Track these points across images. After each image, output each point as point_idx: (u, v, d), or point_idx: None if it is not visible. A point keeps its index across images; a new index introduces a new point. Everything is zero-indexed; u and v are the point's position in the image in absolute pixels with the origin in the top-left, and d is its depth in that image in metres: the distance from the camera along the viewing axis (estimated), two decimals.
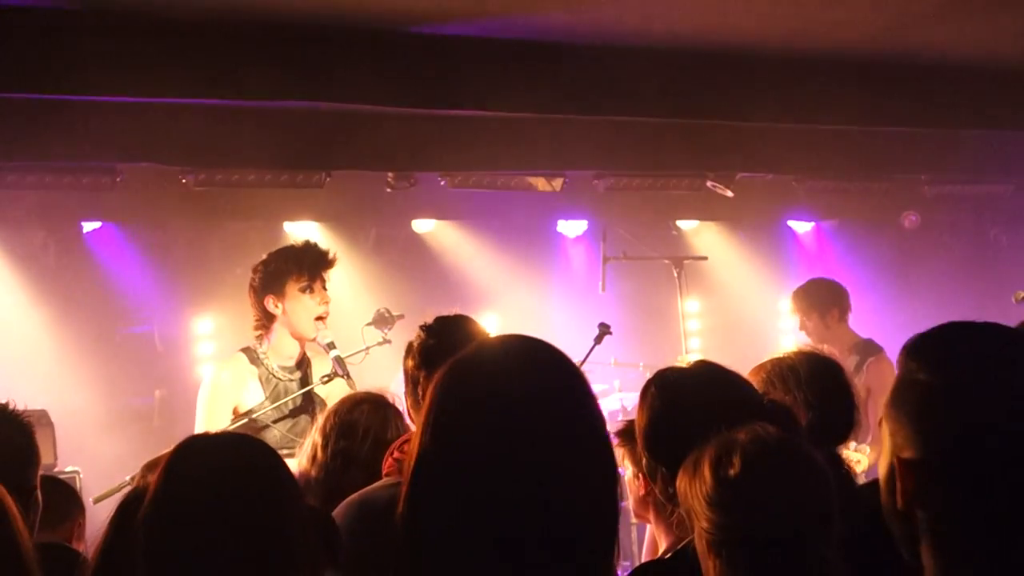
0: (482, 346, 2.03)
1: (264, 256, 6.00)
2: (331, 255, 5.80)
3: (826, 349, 4.17)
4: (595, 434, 1.94)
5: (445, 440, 1.87)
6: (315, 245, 5.80)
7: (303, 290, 5.66)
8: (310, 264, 5.68)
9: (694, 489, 2.57)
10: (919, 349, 1.86)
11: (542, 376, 1.94)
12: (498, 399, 1.88)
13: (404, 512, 1.88)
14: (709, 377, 3.14)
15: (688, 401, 3.02)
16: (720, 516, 2.51)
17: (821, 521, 2.51)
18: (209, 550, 2.33)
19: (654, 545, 3.52)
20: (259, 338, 5.81)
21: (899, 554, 2.84)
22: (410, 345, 3.51)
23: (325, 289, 5.76)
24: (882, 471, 1.85)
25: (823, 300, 7.63)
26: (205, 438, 2.56)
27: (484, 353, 2.00)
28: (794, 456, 2.55)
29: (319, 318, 5.70)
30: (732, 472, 2.51)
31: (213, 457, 2.49)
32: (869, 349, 7.51)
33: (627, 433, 3.71)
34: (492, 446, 1.84)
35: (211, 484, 2.42)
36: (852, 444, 6.68)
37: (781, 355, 3.91)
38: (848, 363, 6.13)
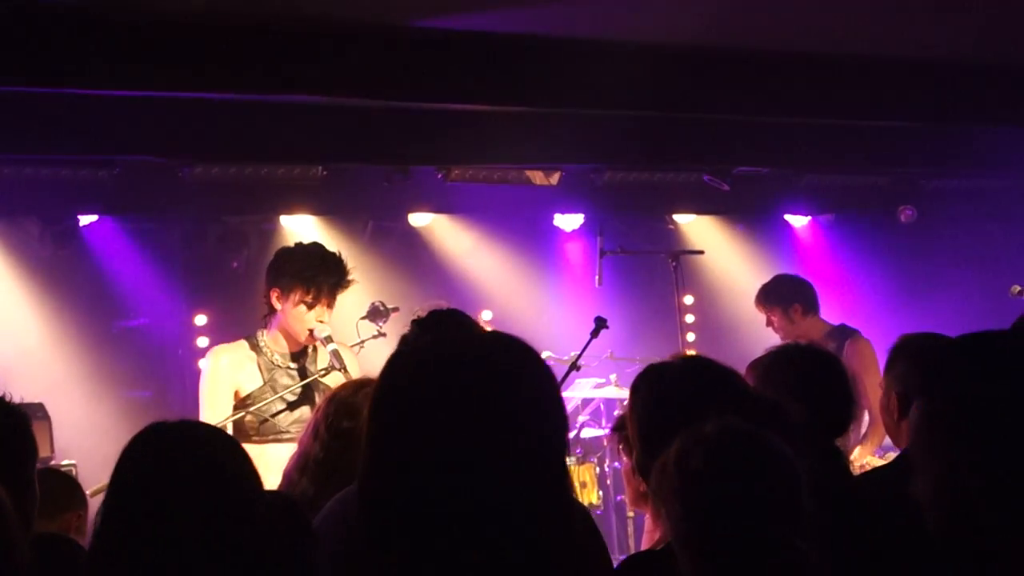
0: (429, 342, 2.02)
1: (292, 245, 5.96)
2: (346, 282, 5.74)
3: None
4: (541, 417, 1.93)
5: (385, 443, 1.88)
6: (337, 264, 5.72)
7: (305, 304, 5.65)
8: (320, 287, 5.64)
9: (663, 484, 2.57)
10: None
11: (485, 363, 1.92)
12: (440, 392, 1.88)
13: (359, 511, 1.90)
14: (695, 371, 3.14)
15: (674, 396, 3.03)
16: (686, 510, 2.51)
17: (789, 513, 2.50)
18: (160, 539, 2.35)
19: (652, 536, 3.53)
20: (264, 321, 5.81)
21: (897, 543, 2.85)
22: (404, 338, 3.50)
23: (330, 308, 5.72)
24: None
25: (783, 296, 7.66)
26: (161, 427, 2.56)
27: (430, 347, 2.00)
28: (759, 448, 2.54)
29: (311, 330, 5.69)
30: (695, 465, 2.51)
31: (165, 447, 2.50)
32: (844, 333, 7.56)
33: (623, 427, 3.72)
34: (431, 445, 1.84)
35: (161, 474, 2.43)
36: (877, 452, 6.70)
37: (778, 349, 3.92)
38: None
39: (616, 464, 7.47)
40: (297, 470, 4.02)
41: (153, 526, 2.37)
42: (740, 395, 3.04)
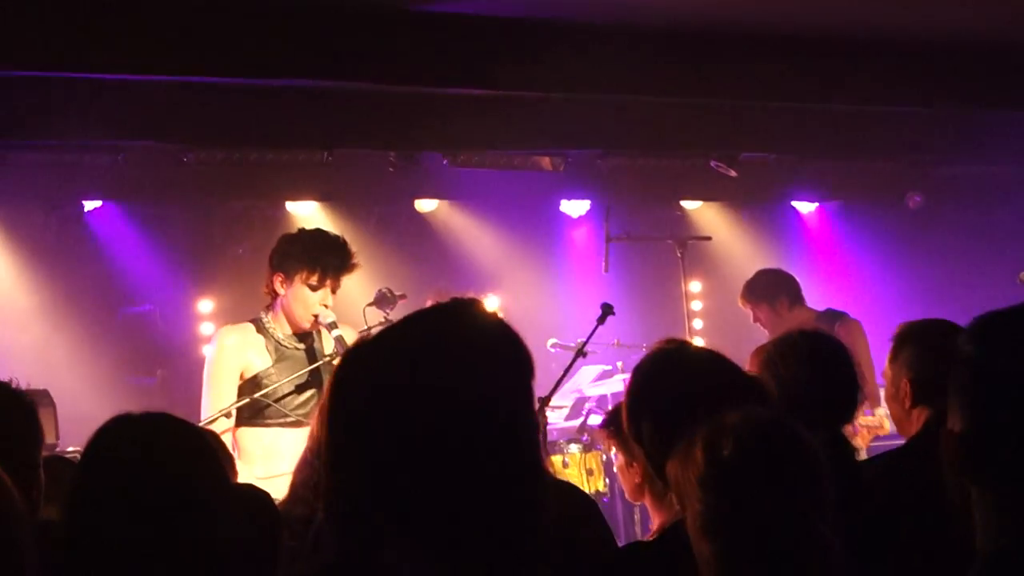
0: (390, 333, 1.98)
1: (296, 231, 5.95)
2: (351, 264, 5.72)
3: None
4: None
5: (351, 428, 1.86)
6: (341, 247, 5.69)
7: (309, 287, 5.62)
8: (326, 267, 5.62)
9: (687, 472, 2.56)
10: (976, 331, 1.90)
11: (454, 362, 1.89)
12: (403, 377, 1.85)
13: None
14: (682, 357, 3.13)
15: (661, 383, 3.02)
16: (713, 498, 2.50)
17: (814, 500, 2.50)
18: (123, 533, 2.33)
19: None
20: (267, 308, 5.78)
21: (901, 531, 2.85)
22: None
23: (334, 291, 5.70)
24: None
25: (769, 290, 7.64)
26: (126, 418, 2.53)
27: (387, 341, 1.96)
28: (786, 436, 2.55)
29: (315, 315, 5.66)
30: (725, 454, 2.50)
31: (131, 438, 2.48)
32: (833, 317, 7.54)
33: (614, 422, 3.70)
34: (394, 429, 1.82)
35: (126, 466, 2.41)
36: (866, 412, 6.70)
37: (783, 335, 3.89)
38: None
39: (612, 457, 7.46)
40: (314, 454, 3.99)
41: (113, 515, 2.36)
42: (727, 377, 3.03)
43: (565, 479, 6.82)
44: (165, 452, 2.45)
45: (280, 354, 5.69)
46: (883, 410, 6.66)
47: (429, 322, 1.98)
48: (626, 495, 3.80)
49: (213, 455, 2.54)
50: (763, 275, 7.81)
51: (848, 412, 3.73)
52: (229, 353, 5.69)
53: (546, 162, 8.76)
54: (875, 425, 6.82)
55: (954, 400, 1.89)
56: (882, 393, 5.04)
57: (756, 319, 7.64)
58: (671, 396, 2.92)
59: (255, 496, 2.98)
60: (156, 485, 2.38)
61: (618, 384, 8.07)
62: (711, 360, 3.11)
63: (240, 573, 2.45)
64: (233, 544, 2.42)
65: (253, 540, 2.69)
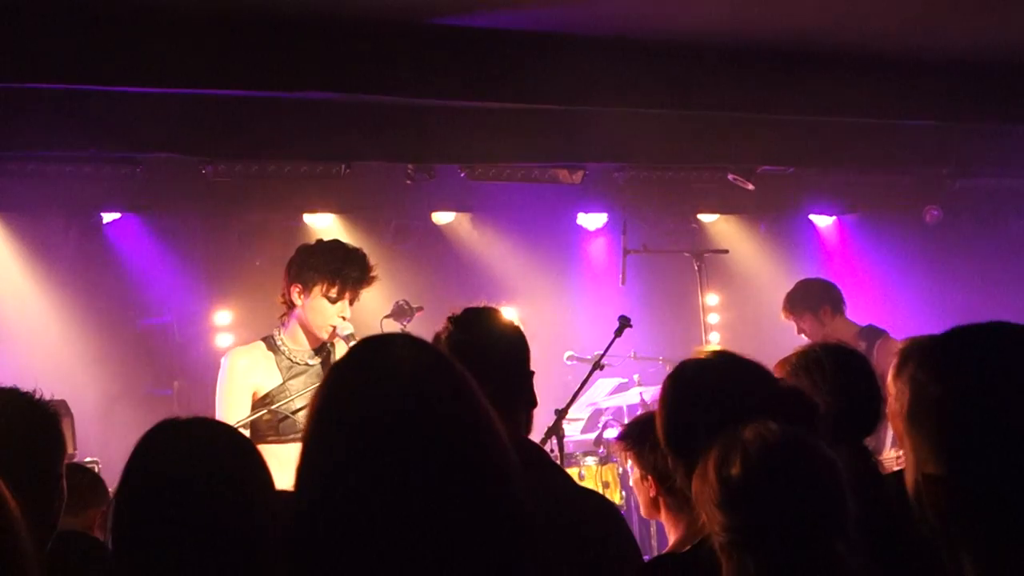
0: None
1: (313, 242, 5.95)
2: (371, 277, 5.72)
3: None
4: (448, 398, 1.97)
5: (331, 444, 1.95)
6: (361, 260, 5.70)
7: (328, 299, 5.62)
8: (345, 279, 5.62)
9: (704, 491, 2.55)
10: (928, 359, 1.84)
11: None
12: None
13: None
14: (725, 366, 3.09)
15: (702, 392, 2.98)
16: (726, 517, 2.49)
17: (831, 515, 2.47)
18: (169, 535, 2.35)
19: (671, 539, 3.52)
20: (281, 320, 5.79)
21: (925, 544, 2.81)
22: (437, 337, 3.45)
23: (352, 303, 5.70)
24: (909, 483, 1.83)
25: (812, 299, 7.63)
26: (174, 423, 2.55)
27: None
28: (798, 451, 2.51)
29: (334, 326, 5.66)
30: (734, 472, 2.48)
31: (178, 443, 2.49)
32: (874, 334, 7.54)
33: (631, 435, 3.68)
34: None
35: (174, 470, 2.43)
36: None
37: (806, 347, 3.88)
38: None
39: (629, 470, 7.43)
40: None
41: (160, 525, 2.37)
42: (769, 387, 2.98)
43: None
44: (214, 453, 2.47)
45: (292, 372, 5.70)
46: None
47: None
48: (641, 511, 3.78)
49: (259, 458, 2.56)
50: (807, 285, 7.81)
51: (870, 424, 3.71)
52: (238, 375, 5.71)
53: (563, 175, 8.76)
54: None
55: (924, 440, 1.82)
56: None
57: (800, 330, 7.62)
58: (721, 406, 2.86)
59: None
60: (204, 485, 2.40)
61: (634, 396, 8.05)
62: (757, 370, 3.07)
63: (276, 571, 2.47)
64: (273, 543, 2.44)
65: None
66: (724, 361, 3.10)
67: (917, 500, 1.81)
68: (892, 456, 6.73)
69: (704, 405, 2.89)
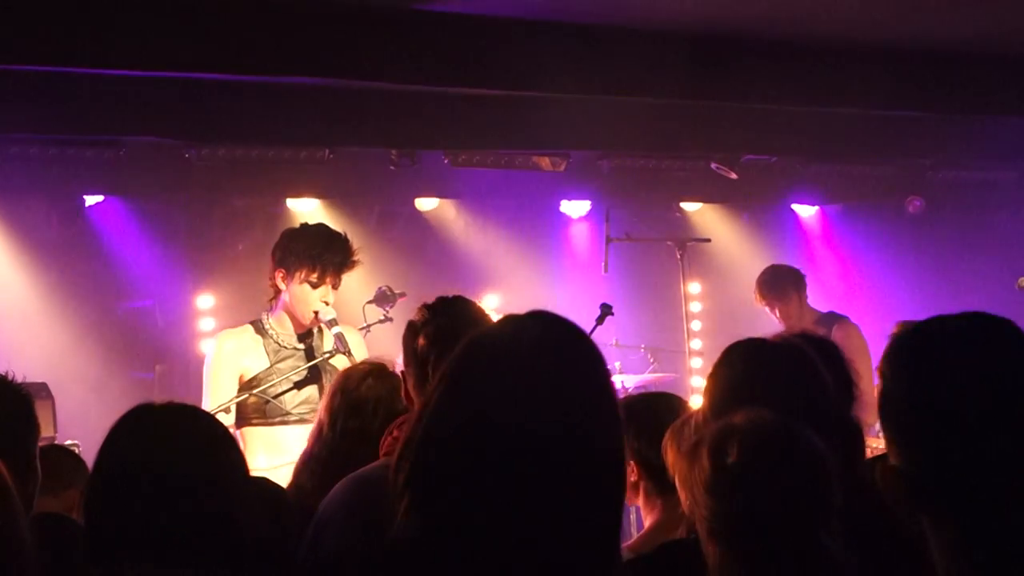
0: (506, 325, 2.03)
1: (297, 226, 5.95)
2: (352, 262, 5.71)
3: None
4: (609, 419, 1.96)
5: (463, 410, 1.90)
6: (342, 244, 5.70)
7: (310, 283, 5.62)
8: (326, 264, 5.62)
9: (694, 475, 2.56)
10: (888, 356, 1.92)
11: (562, 358, 1.95)
12: (519, 379, 1.90)
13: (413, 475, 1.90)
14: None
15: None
16: (718, 503, 2.50)
17: (819, 508, 2.49)
18: (143, 522, 2.35)
19: (647, 523, 3.54)
20: (269, 304, 5.80)
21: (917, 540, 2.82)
22: (414, 324, 3.45)
23: (335, 288, 5.70)
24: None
25: (787, 284, 7.82)
26: (147, 408, 2.56)
27: (507, 332, 2.01)
28: (793, 442, 2.53)
29: (316, 312, 5.66)
30: (730, 459, 2.49)
31: (150, 429, 2.50)
32: (832, 319, 7.71)
33: None
34: (509, 421, 1.86)
35: (145, 456, 2.43)
36: (872, 432, 6.72)
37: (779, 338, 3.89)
38: None
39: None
40: (305, 467, 3.98)
41: (134, 510, 2.38)
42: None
43: None
44: (187, 439, 2.48)
45: (279, 355, 5.70)
46: None
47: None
48: None
49: (232, 444, 2.57)
50: (775, 270, 7.99)
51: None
52: (226, 357, 5.72)
53: (546, 162, 8.77)
54: (880, 449, 6.85)
55: (888, 431, 1.88)
56: None
57: (783, 314, 7.75)
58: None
59: (267, 486, 3.00)
60: (177, 471, 2.41)
61: (616, 384, 8.08)
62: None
63: (254, 556, 2.47)
64: (249, 529, 2.45)
65: (266, 525, 2.72)
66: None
67: (883, 487, 1.87)
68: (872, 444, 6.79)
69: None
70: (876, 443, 6.85)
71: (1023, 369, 1.84)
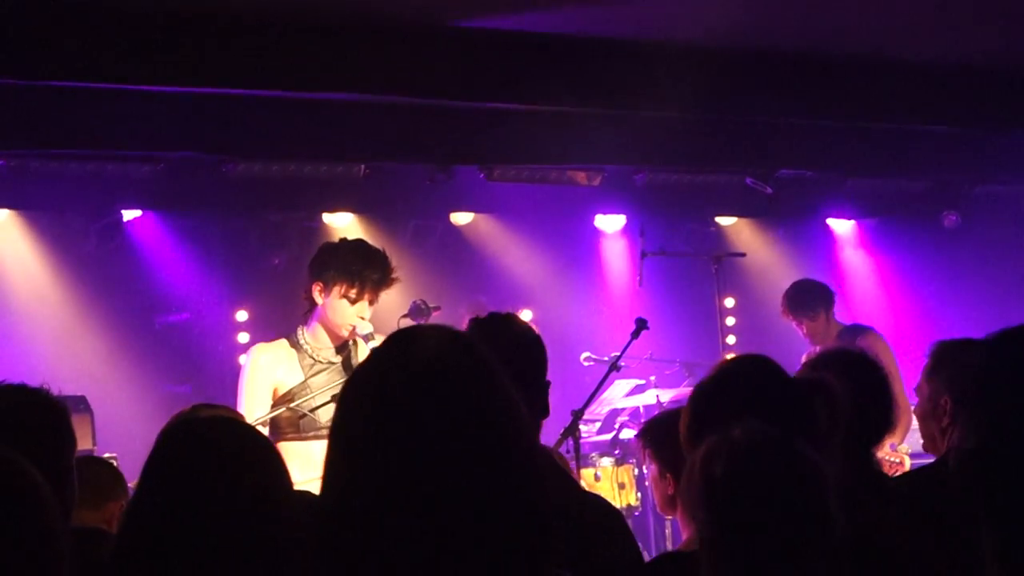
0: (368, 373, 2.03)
1: (337, 240, 5.97)
2: (391, 279, 5.72)
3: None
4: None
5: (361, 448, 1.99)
6: (381, 261, 5.69)
7: (348, 299, 5.63)
8: (364, 281, 5.62)
9: (690, 487, 2.57)
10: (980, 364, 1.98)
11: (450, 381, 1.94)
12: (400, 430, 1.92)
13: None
14: (748, 370, 3.12)
15: (721, 395, 3.01)
16: (708, 515, 2.50)
17: (812, 521, 2.48)
18: (186, 533, 2.36)
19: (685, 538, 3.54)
20: (304, 318, 5.81)
21: (935, 548, 2.82)
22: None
23: (372, 304, 5.70)
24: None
25: (823, 299, 7.79)
26: (194, 419, 2.57)
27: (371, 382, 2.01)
28: (782, 455, 2.52)
29: (353, 326, 5.67)
30: (718, 471, 2.50)
31: (200, 439, 2.51)
32: (856, 331, 7.65)
33: (649, 432, 3.72)
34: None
35: (193, 466, 2.44)
36: (888, 446, 6.70)
37: (818, 353, 3.89)
38: None
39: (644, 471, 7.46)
40: None
41: (179, 520, 2.39)
42: (787, 388, 3.01)
43: (596, 492, 6.83)
44: (232, 452, 2.49)
45: (313, 369, 5.71)
46: (906, 447, 6.71)
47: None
48: (657, 507, 3.80)
49: (277, 458, 2.58)
50: (804, 286, 7.91)
51: (880, 432, 3.70)
52: (261, 371, 5.72)
53: (581, 177, 8.78)
54: (896, 463, 6.84)
55: (965, 417, 1.92)
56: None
57: (810, 329, 7.70)
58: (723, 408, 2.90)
59: (312, 499, 3.01)
60: (223, 484, 2.41)
61: (651, 398, 8.07)
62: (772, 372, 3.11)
63: (295, 571, 2.48)
64: (292, 544, 2.45)
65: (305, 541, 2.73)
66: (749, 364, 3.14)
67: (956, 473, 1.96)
68: (888, 458, 6.77)
69: (721, 406, 2.93)
70: (893, 457, 6.86)
71: None
